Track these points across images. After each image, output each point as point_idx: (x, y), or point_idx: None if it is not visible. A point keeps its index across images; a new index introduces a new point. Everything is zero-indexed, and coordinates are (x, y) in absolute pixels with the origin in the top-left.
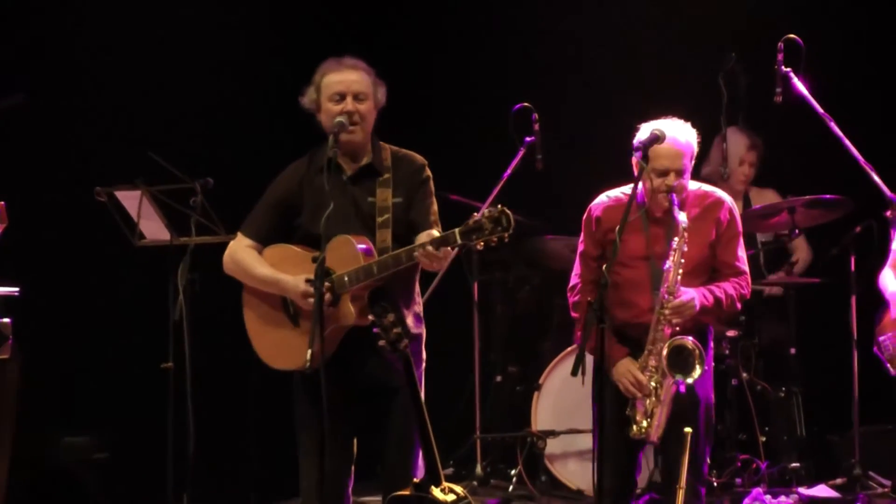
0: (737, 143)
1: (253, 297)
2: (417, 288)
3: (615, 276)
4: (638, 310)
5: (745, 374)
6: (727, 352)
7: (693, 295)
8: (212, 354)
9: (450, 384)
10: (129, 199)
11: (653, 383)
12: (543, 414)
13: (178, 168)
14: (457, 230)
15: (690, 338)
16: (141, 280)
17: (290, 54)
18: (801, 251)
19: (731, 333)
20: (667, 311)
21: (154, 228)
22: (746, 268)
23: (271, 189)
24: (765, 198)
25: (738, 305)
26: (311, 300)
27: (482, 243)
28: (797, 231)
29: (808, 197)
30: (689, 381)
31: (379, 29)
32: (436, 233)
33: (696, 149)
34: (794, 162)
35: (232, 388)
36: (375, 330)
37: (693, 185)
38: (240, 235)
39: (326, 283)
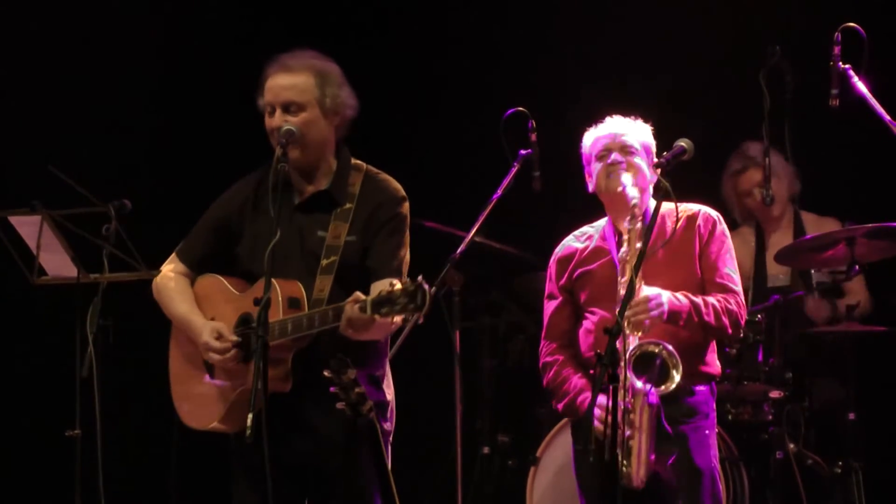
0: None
1: (181, 332)
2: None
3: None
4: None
5: (792, 445)
6: (770, 417)
7: (659, 291)
8: (128, 419)
9: (425, 457)
10: (27, 227)
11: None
12: (542, 494)
13: (87, 188)
14: (369, 299)
15: (662, 343)
16: (41, 327)
17: (242, 48)
18: (856, 294)
19: (774, 395)
20: (628, 312)
21: (57, 262)
22: (737, 287)
23: (212, 208)
24: (824, 228)
25: (726, 322)
26: (213, 355)
27: (393, 318)
28: (856, 267)
29: (870, 225)
30: (663, 390)
31: (340, 24)
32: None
33: (649, 138)
34: (853, 181)
35: (152, 460)
36: (333, 389)
37: (680, 206)
38: (174, 257)
39: (236, 338)
